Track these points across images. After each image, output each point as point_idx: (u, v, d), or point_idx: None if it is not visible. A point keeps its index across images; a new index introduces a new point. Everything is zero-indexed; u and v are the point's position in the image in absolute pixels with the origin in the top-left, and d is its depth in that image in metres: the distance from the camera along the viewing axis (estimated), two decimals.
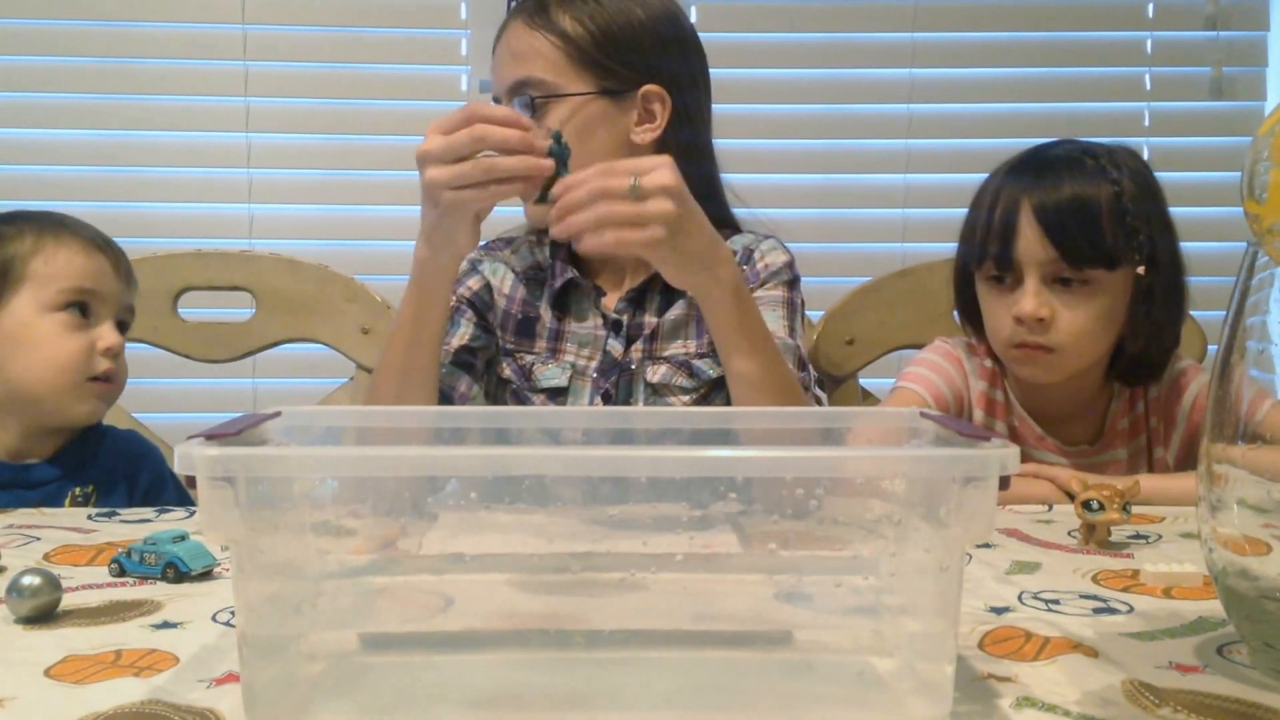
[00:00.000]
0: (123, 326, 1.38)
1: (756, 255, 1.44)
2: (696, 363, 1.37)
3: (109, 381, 1.34)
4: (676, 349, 1.38)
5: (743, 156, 2.39)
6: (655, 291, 1.39)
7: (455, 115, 1.09)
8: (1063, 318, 1.31)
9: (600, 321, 1.38)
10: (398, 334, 1.24)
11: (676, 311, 1.39)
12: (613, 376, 1.35)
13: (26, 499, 1.28)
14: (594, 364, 1.36)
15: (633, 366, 1.36)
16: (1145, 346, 1.35)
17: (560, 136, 1.11)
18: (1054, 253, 1.30)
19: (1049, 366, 1.33)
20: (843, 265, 2.31)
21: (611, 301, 1.39)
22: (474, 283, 1.40)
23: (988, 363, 1.45)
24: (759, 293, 1.41)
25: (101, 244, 1.36)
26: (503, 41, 1.37)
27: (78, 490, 1.33)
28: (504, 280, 1.40)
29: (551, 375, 1.36)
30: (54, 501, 1.31)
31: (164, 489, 1.38)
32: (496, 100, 1.38)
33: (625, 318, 1.38)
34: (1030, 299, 1.30)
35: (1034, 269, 1.31)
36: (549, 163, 1.09)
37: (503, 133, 1.08)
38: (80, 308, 1.31)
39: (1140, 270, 1.32)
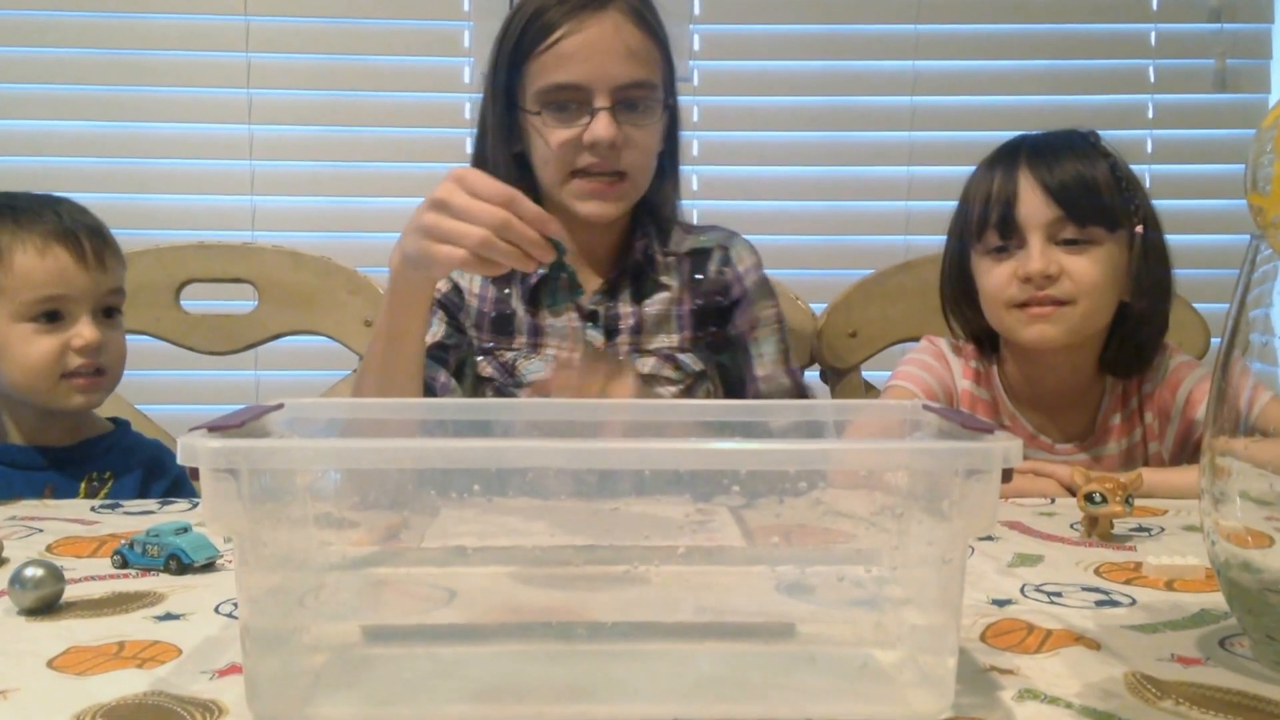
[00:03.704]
0: (110, 311, 1.35)
1: (734, 257, 1.46)
2: (681, 356, 1.38)
3: (95, 374, 1.32)
4: (661, 342, 1.39)
5: (745, 149, 2.40)
6: (626, 285, 1.40)
7: (489, 185, 1.05)
8: (1073, 269, 1.31)
9: (575, 314, 1.38)
10: (377, 339, 1.22)
11: (658, 306, 1.39)
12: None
13: (37, 480, 1.30)
14: (577, 356, 1.36)
15: (620, 359, 1.36)
16: (1147, 309, 1.35)
17: (564, 252, 1.07)
18: (1058, 211, 1.31)
19: (1060, 320, 1.33)
20: (846, 258, 2.32)
21: (585, 296, 1.39)
22: (442, 285, 1.39)
23: (972, 363, 1.45)
24: (758, 312, 1.44)
25: (61, 235, 1.30)
26: (605, 32, 1.29)
27: (94, 475, 1.34)
28: (472, 280, 1.40)
29: (535, 369, 1.35)
30: (69, 484, 1.32)
31: (179, 494, 1.38)
32: (560, 88, 1.29)
33: (601, 308, 1.38)
34: (1038, 257, 1.31)
35: (1038, 231, 1.32)
36: (535, 266, 1.06)
37: (530, 233, 1.04)
38: (49, 314, 1.30)
39: (1139, 229, 1.34)
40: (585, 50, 1.28)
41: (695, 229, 1.49)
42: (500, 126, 1.36)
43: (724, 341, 1.45)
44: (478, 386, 1.37)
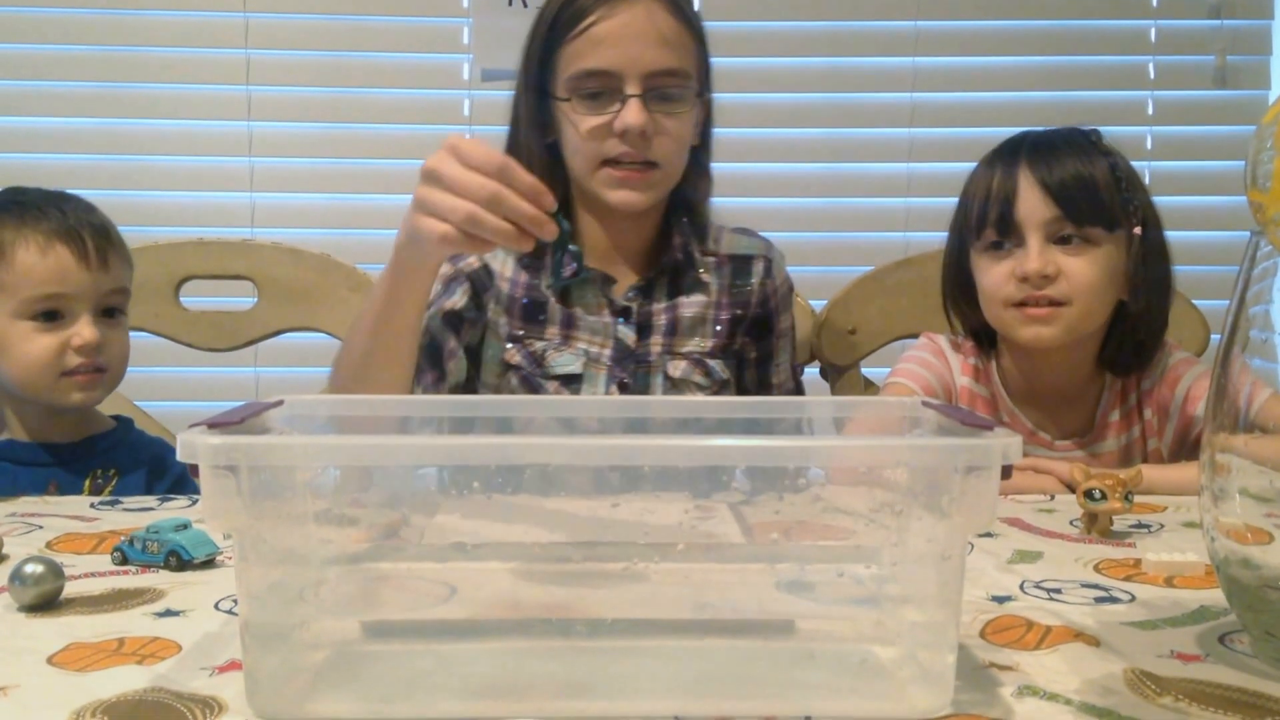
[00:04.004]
0: (112, 312, 1.35)
1: (775, 269, 1.45)
2: (711, 362, 1.37)
3: (95, 371, 1.32)
4: (694, 346, 1.38)
5: (746, 145, 2.40)
6: (663, 283, 1.39)
7: (482, 154, 1.02)
8: (1070, 270, 1.31)
9: (608, 309, 1.37)
10: (365, 314, 1.18)
11: (695, 309, 1.38)
12: (629, 366, 1.35)
13: (42, 476, 1.30)
14: (607, 351, 1.35)
15: (651, 359, 1.36)
16: (1145, 310, 1.35)
17: (568, 230, 1.05)
18: (1056, 211, 1.31)
19: (1056, 321, 1.32)
20: (845, 254, 2.32)
21: (620, 290, 1.38)
22: (474, 260, 1.36)
23: (971, 360, 1.45)
24: (784, 324, 1.46)
25: (64, 233, 1.30)
26: (637, 18, 1.27)
27: (99, 471, 1.34)
28: (504, 264, 1.37)
29: (565, 362, 1.34)
30: (73, 480, 1.32)
31: (181, 491, 1.38)
32: (591, 75, 1.28)
33: (635, 305, 1.37)
34: (1036, 257, 1.31)
35: (1036, 230, 1.32)
36: (530, 243, 1.02)
37: (523, 206, 1.00)
38: (49, 312, 1.29)
39: (1137, 230, 1.34)
40: (616, 36, 1.27)
41: (730, 229, 1.47)
42: (532, 118, 1.34)
43: (751, 356, 1.45)
44: (504, 374, 1.35)
